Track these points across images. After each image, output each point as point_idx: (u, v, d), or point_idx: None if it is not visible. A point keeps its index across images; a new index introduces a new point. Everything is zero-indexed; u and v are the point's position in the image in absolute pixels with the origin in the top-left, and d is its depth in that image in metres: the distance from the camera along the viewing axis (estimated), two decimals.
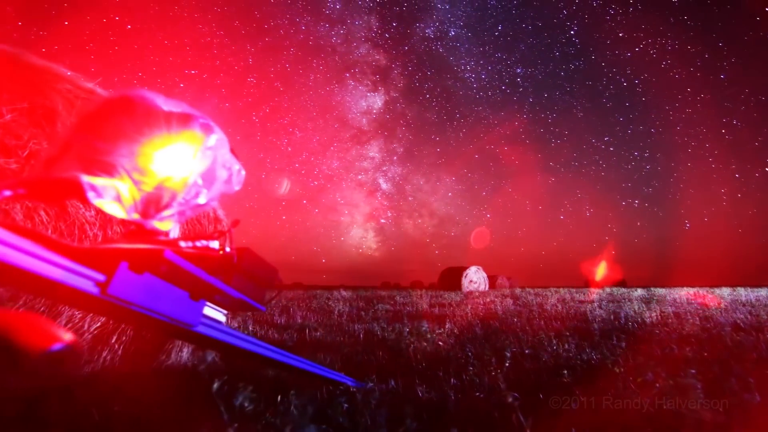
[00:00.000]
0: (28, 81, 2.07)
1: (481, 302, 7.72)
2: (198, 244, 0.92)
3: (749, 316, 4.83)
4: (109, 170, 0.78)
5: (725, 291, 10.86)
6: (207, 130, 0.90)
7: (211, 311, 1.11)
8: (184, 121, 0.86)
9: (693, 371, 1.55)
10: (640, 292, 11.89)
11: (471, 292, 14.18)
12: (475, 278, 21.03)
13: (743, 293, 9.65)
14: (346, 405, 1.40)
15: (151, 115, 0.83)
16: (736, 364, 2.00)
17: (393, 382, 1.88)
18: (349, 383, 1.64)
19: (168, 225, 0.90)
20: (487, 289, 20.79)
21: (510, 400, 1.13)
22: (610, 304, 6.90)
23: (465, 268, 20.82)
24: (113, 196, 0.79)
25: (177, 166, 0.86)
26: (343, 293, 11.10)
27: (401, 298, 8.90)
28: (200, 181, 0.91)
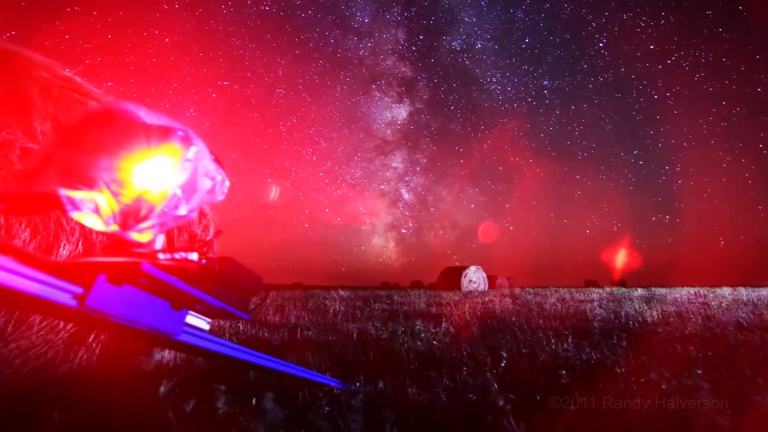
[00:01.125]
0: (2, 67, 1.99)
1: (480, 301, 7.62)
2: (177, 255, 0.91)
3: (752, 316, 4.74)
4: (89, 183, 0.79)
5: (726, 291, 10.77)
6: (186, 142, 0.91)
7: (195, 320, 1.10)
8: (163, 134, 0.87)
9: (699, 371, 1.46)
10: (640, 291, 11.79)
11: (470, 292, 14.08)
12: (474, 278, 20.93)
13: (744, 293, 9.56)
14: (327, 408, 1.30)
15: (131, 128, 0.84)
16: (743, 364, 1.91)
17: (382, 384, 1.79)
18: (334, 385, 1.55)
19: (147, 236, 0.89)
20: (486, 288, 20.69)
21: (501, 403, 1.03)
22: (610, 303, 6.81)
23: (464, 268, 20.72)
24: (92, 208, 0.80)
25: (156, 179, 0.86)
26: (341, 293, 11.01)
27: (399, 298, 8.81)
28: (179, 193, 0.91)
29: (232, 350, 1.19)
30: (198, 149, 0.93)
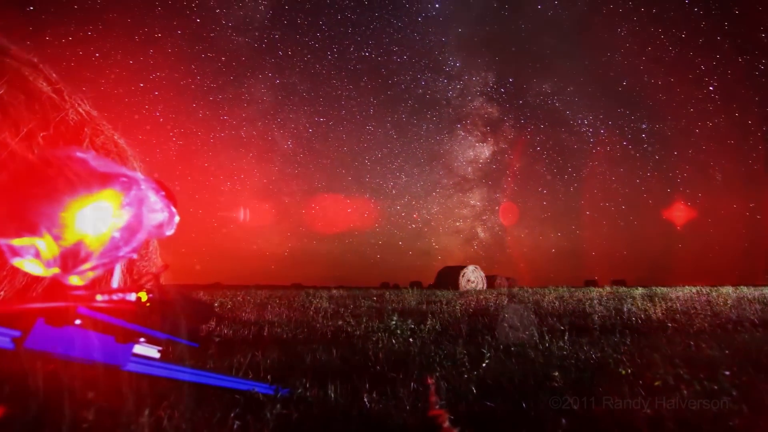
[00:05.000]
0: None
1: (474, 299, 7.30)
2: (114, 297, 0.94)
3: (761, 313, 4.43)
4: (32, 229, 0.83)
5: (729, 289, 10.47)
6: (126, 187, 0.94)
7: (143, 348, 1.09)
8: (104, 180, 0.91)
9: (727, 372, 1.14)
10: (641, 290, 11.48)
11: (467, 291, 13.76)
12: (472, 277, 20.63)
13: (747, 291, 9.28)
14: (237, 422, 0.98)
15: (74, 175, 0.88)
16: None
17: (331, 389, 1.46)
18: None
19: (87, 278, 0.91)
20: (485, 288, 20.36)
21: (446, 424, 0.72)
22: (611, 301, 6.50)
23: (462, 267, 20.41)
24: (33, 253, 0.83)
25: (96, 223, 0.89)
26: (334, 292, 10.70)
27: (391, 296, 8.48)
28: (118, 235, 0.94)
29: (181, 373, 1.17)
30: (137, 192, 0.95)
